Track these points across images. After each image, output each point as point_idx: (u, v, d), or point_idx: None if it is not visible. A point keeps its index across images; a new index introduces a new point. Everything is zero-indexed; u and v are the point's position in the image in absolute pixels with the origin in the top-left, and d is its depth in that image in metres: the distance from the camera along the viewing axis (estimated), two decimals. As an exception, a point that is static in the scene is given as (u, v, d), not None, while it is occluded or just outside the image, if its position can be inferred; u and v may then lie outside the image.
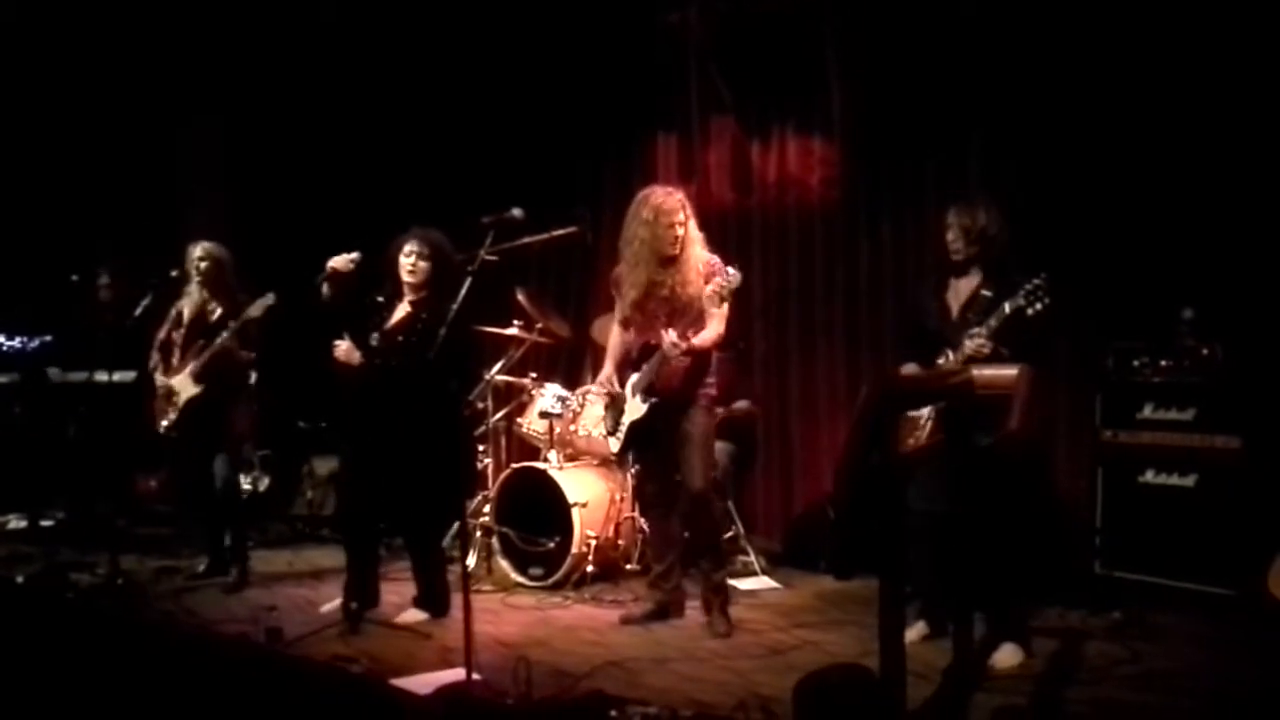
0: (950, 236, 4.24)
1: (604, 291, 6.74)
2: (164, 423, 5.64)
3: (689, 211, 4.65)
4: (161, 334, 5.81)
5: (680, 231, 4.59)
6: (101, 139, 8.12)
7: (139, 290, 5.81)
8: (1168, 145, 4.97)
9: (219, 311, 5.62)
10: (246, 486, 6.69)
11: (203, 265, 5.66)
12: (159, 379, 5.71)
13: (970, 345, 4.00)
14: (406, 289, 4.82)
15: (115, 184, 8.28)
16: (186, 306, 5.73)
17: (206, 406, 5.56)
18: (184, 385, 5.57)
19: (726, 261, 4.69)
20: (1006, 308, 3.96)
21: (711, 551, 4.80)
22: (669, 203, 4.61)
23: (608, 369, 4.90)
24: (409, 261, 4.76)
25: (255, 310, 5.39)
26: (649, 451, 4.88)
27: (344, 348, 4.79)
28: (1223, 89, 4.82)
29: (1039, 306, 3.90)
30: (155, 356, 5.80)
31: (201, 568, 5.79)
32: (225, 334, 5.45)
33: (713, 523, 4.82)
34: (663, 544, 4.97)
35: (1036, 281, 3.92)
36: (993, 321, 3.98)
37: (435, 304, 4.66)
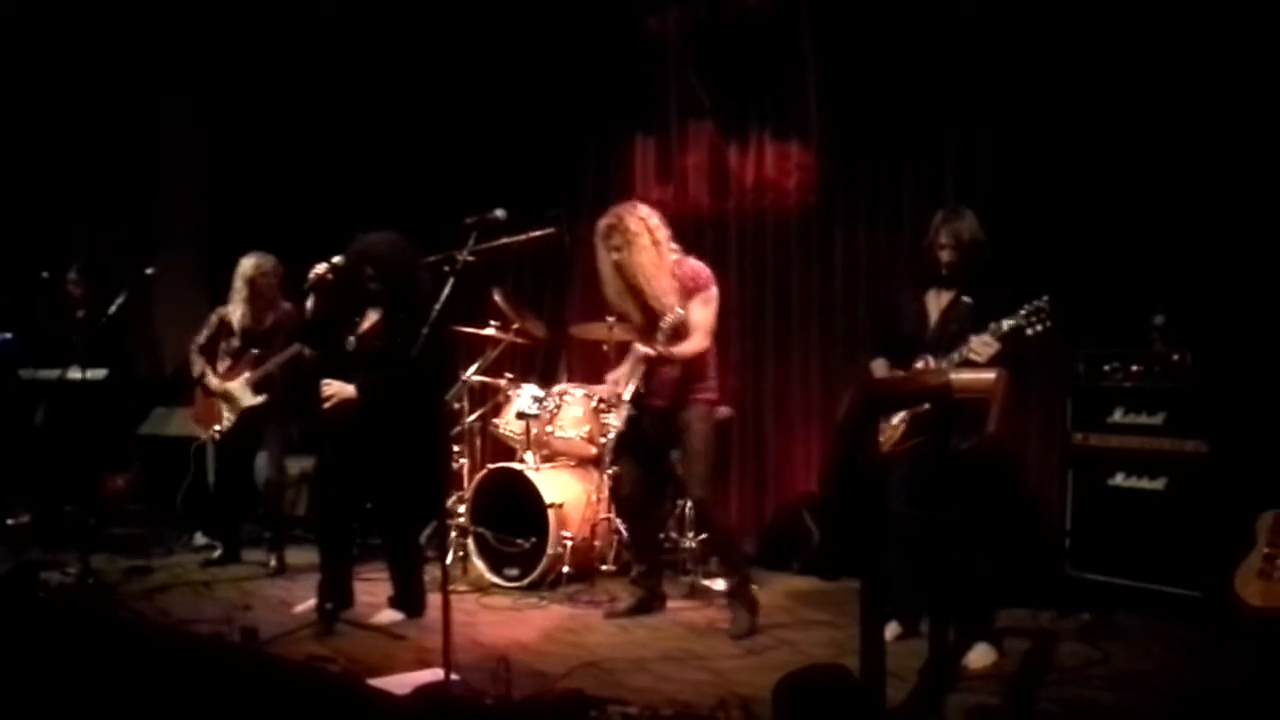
0: (943, 251, 4.23)
1: (581, 293, 6.77)
2: (217, 427, 5.93)
3: (632, 230, 4.62)
4: (201, 339, 6.05)
5: (617, 254, 4.63)
6: (76, 137, 8.05)
7: (108, 288, 5.81)
8: (1139, 151, 5.04)
9: (271, 319, 5.85)
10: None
11: (256, 280, 5.85)
12: (214, 383, 5.95)
13: (975, 342, 3.99)
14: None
15: (88, 181, 8.22)
16: (235, 316, 5.92)
17: (264, 411, 5.85)
18: (243, 393, 5.84)
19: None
20: (1005, 325, 3.95)
21: (724, 555, 4.90)
22: (601, 230, 4.70)
23: (615, 373, 5.00)
24: (370, 285, 4.79)
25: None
26: (631, 456, 4.89)
27: (334, 388, 4.73)
28: (1194, 96, 4.90)
29: (1039, 329, 3.92)
30: (199, 362, 6.02)
31: (217, 554, 6.08)
32: (285, 351, 5.68)
33: (715, 529, 4.90)
34: (642, 548, 5.05)
35: (1038, 303, 3.92)
36: (988, 336, 3.98)
37: (405, 305, 4.66)
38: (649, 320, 4.65)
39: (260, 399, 5.84)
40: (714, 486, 4.83)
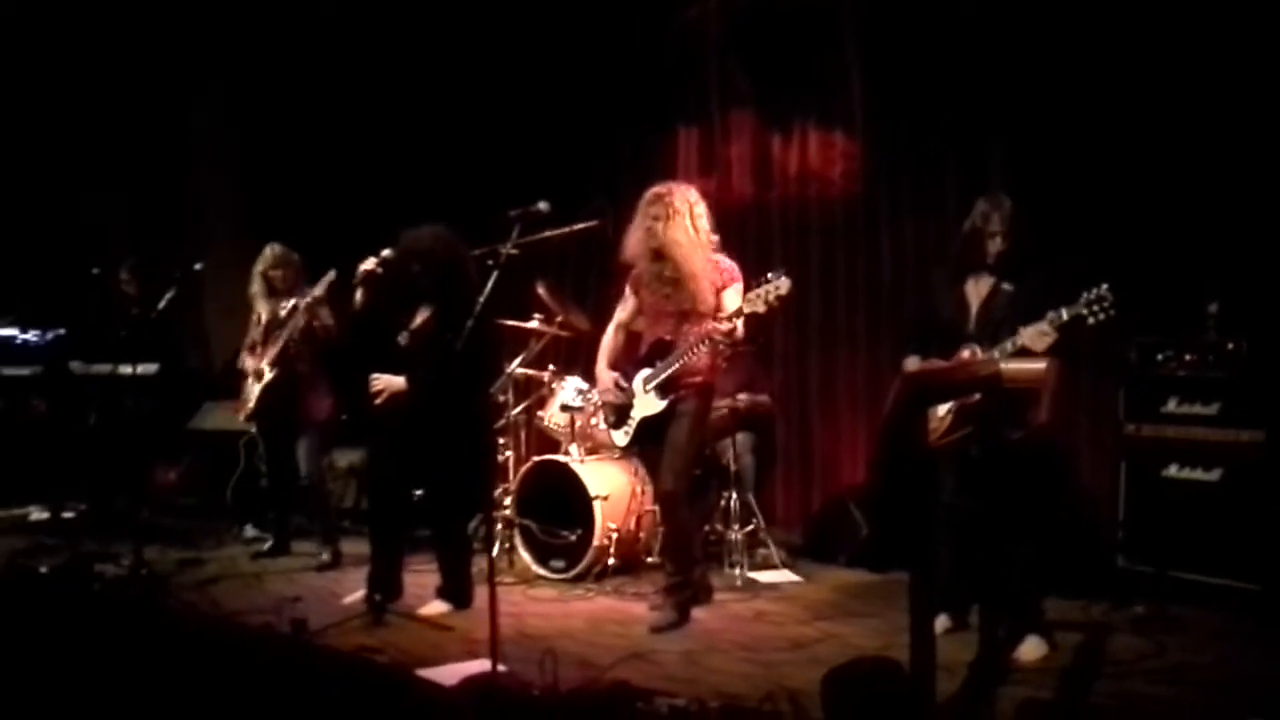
0: (994, 240, 4.13)
1: (623, 285, 6.76)
2: (243, 414, 6.04)
3: (675, 207, 4.58)
4: (248, 340, 6.16)
5: (658, 225, 4.57)
6: (119, 135, 8.16)
7: (160, 284, 5.89)
8: (1193, 138, 4.95)
9: (291, 304, 5.91)
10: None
11: (271, 272, 5.97)
12: (248, 364, 6.06)
13: (1030, 332, 3.90)
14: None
15: (132, 180, 8.33)
16: (262, 310, 6.05)
17: (280, 391, 5.87)
18: (261, 373, 5.91)
19: (745, 254, 4.72)
20: (1065, 314, 3.84)
21: (675, 553, 4.75)
22: (648, 196, 4.65)
23: (609, 373, 4.85)
24: (418, 279, 4.81)
25: (318, 289, 5.64)
26: (656, 445, 4.79)
27: (384, 382, 4.80)
28: (1248, 84, 4.81)
29: (1102, 318, 3.81)
30: (248, 361, 6.11)
31: (267, 546, 6.12)
32: (296, 317, 5.70)
33: (678, 526, 4.71)
34: (673, 539, 4.87)
35: (1100, 291, 3.80)
36: (1045, 326, 3.87)
37: (453, 298, 4.66)
38: (664, 295, 4.63)
39: (272, 374, 5.87)
40: (688, 482, 4.66)
